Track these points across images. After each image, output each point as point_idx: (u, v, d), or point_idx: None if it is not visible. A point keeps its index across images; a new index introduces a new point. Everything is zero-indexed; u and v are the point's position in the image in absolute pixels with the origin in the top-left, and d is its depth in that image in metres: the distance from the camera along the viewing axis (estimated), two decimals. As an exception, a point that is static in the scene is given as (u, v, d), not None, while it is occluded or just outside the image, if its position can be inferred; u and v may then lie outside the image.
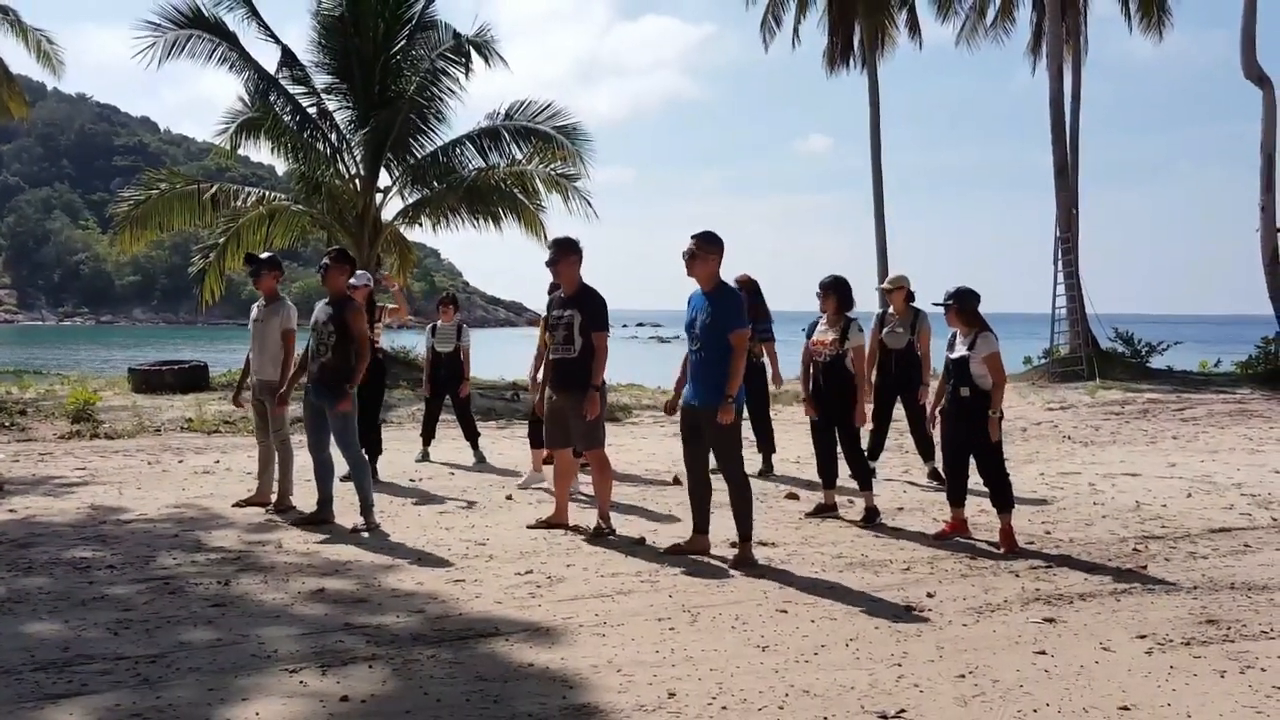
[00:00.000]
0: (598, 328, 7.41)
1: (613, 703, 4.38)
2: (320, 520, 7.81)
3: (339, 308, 7.82)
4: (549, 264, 7.58)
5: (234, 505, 8.46)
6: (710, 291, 6.87)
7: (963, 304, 7.40)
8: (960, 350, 7.32)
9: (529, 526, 7.79)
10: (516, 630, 5.34)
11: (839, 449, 8.26)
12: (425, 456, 11.19)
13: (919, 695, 4.49)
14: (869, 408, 8.89)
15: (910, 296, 9.78)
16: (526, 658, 4.93)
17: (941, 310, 9.70)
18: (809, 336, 8.32)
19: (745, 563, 6.74)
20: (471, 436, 11.21)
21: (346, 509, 7.92)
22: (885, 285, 10.11)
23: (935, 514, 8.41)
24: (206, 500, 8.75)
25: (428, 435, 11.35)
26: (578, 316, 7.41)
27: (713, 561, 6.81)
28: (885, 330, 9.60)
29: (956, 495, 7.60)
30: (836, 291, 8.22)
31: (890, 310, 9.80)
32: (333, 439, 7.84)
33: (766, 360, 10.29)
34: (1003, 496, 7.27)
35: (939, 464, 9.86)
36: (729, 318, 6.76)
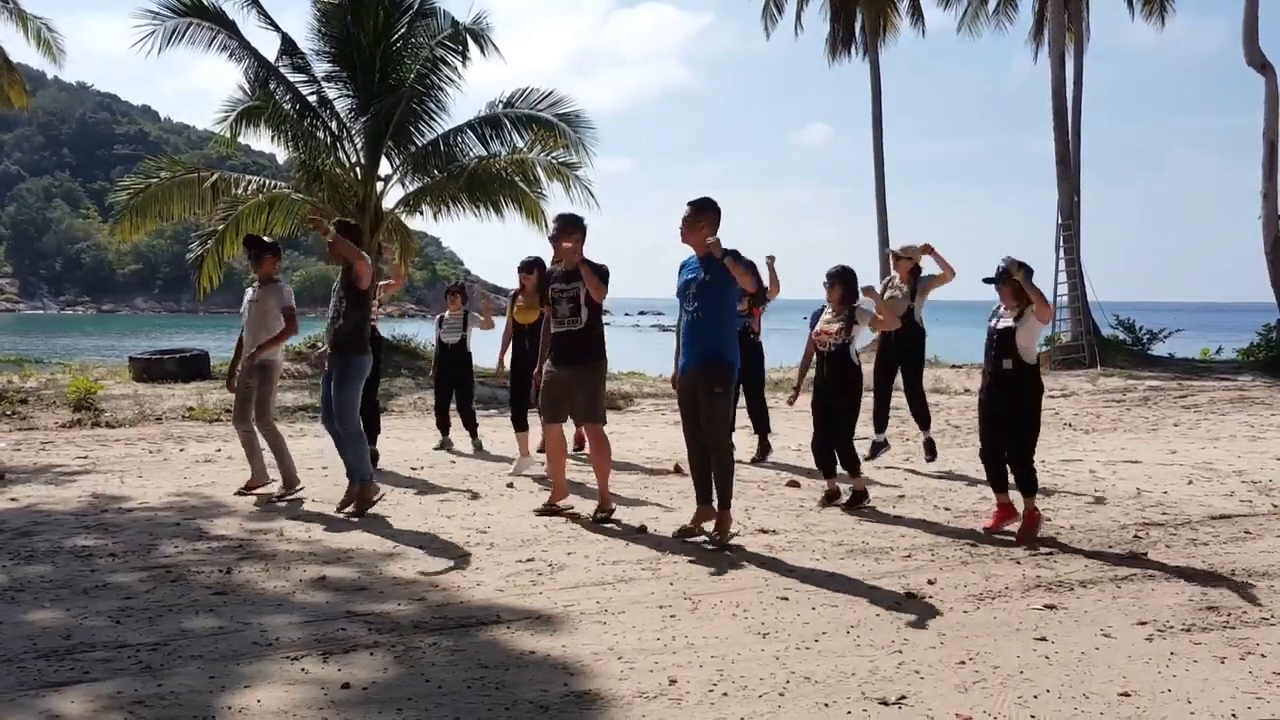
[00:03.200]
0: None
1: (614, 690, 4.38)
2: (368, 500, 7.74)
3: (347, 270, 7.83)
4: (552, 239, 7.67)
5: (236, 494, 8.47)
6: (706, 255, 6.88)
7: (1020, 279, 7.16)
8: (1006, 321, 7.17)
9: (536, 512, 7.80)
10: (518, 618, 5.34)
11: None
12: (445, 445, 11.23)
13: (920, 682, 4.50)
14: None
15: (916, 271, 9.75)
16: (528, 645, 4.94)
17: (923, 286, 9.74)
18: (813, 326, 8.31)
19: (723, 530, 6.85)
20: (470, 426, 11.23)
21: (335, 490, 7.91)
22: (896, 250, 10.05)
23: (936, 501, 8.42)
24: (208, 489, 8.76)
25: (443, 426, 11.40)
26: (582, 288, 7.44)
27: (714, 548, 6.81)
28: (885, 296, 9.61)
29: (998, 481, 7.42)
30: (843, 281, 8.18)
31: (895, 278, 9.80)
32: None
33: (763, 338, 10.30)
34: (1029, 479, 7.17)
35: (934, 433, 9.92)
36: (725, 272, 6.74)
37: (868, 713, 4.17)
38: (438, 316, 11.57)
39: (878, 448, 9.95)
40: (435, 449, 11.11)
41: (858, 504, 8.13)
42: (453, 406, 11.39)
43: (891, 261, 10.07)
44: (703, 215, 6.90)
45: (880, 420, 10.03)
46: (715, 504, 7.02)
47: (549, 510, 7.80)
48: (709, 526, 7.04)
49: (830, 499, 8.28)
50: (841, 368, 8.08)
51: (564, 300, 7.52)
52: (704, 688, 4.40)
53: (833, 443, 8.19)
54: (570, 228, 7.59)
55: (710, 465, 7.02)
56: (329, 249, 7.89)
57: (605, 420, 7.65)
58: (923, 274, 9.74)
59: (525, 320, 9.63)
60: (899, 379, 9.91)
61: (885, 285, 9.87)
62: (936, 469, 9.82)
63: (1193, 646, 5.00)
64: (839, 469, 8.26)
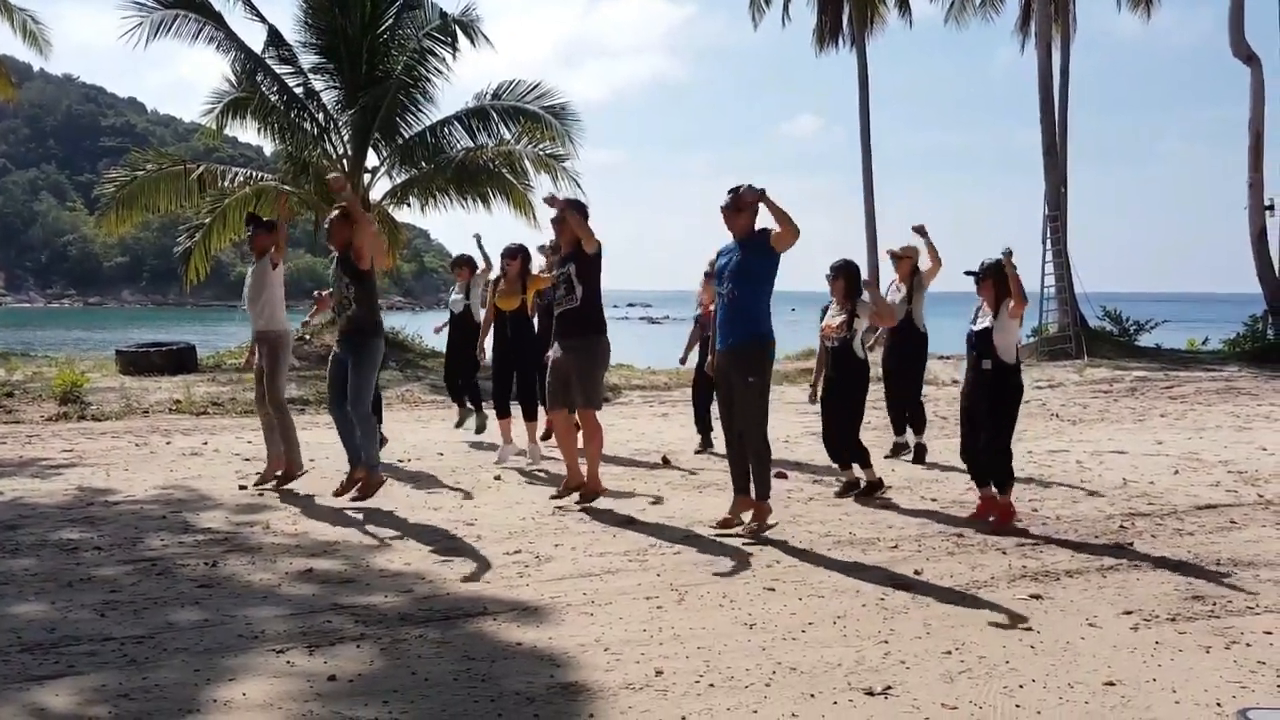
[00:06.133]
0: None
1: (600, 681, 4.39)
2: (372, 486, 7.68)
3: (344, 252, 7.74)
4: (555, 221, 7.75)
5: (253, 487, 8.35)
6: (743, 238, 6.96)
7: (999, 277, 7.16)
8: (984, 322, 7.20)
9: (552, 498, 7.79)
10: (504, 609, 5.34)
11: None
12: (461, 420, 11.26)
13: (905, 672, 4.51)
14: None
15: (915, 271, 9.75)
16: (514, 637, 4.94)
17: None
18: (822, 320, 8.34)
19: (761, 520, 6.88)
20: (475, 402, 11.16)
21: (322, 483, 7.89)
22: (895, 250, 10.02)
23: (923, 492, 8.43)
24: (194, 481, 8.73)
25: (457, 401, 11.39)
26: (574, 266, 7.53)
27: (703, 539, 6.82)
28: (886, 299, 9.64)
29: (980, 477, 7.45)
30: (846, 275, 8.15)
31: (895, 280, 9.82)
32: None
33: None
34: (1003, 474, 7.19)
35: (925, 439, 9.93)
36: (761, 251, 6.85)
37: (853, 703, 4.18)
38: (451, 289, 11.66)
39: (899, 448, 10.00)
40: (456, 426, 11.20)
41: (872, 493, 8.16)
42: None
43: (891, 261, 10.03)
44: (745, 200, 6.93)
45: (897, 423, 10.07)
46: (753, 494, 7.03)
47: (565, 493, 7.80)
48: (746, 517, 7.05)
49: (849, 489, 8.29)
50: (844, 362, 8.07)
51: (561, 282, 7.64)
52: (690, 678, 4.41)
53: (839, 438, 8.21)
54: (570, 207, 7.65)
55: (746, 455, 7.01)
56: (329, 231, 7.80)
57: (600, 406, 7.66)
58: (920, 271, 9.74)
59: (506, 306, 9.66)
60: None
61: (887, 290, 9.88)
62: (917, 459, 9.81)
63: (1178, 636, 5.02)
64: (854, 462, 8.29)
